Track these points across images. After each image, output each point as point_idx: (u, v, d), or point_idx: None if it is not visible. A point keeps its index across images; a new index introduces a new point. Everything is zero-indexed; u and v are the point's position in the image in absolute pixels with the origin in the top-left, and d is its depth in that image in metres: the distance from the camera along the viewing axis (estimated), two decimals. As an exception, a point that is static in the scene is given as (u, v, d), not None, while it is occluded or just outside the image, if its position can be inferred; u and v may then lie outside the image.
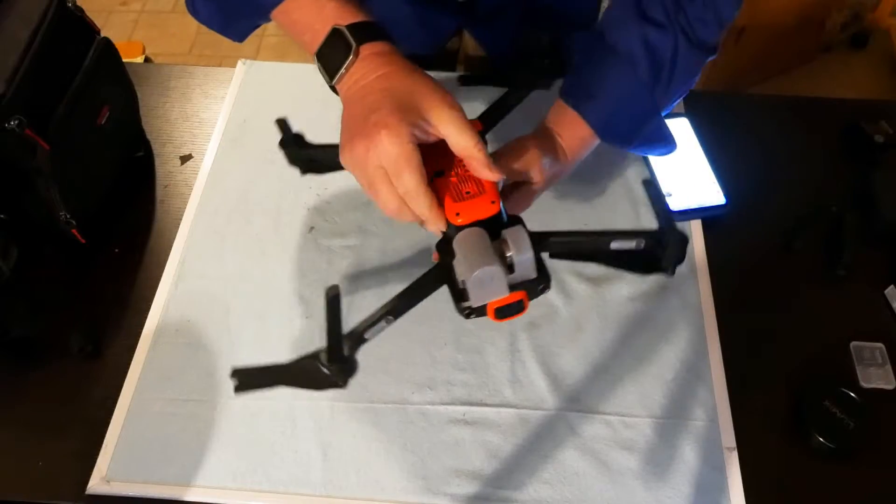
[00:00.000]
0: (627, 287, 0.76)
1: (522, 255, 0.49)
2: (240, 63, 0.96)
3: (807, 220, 0.80)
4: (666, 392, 0.69)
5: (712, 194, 0.82)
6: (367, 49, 0.51)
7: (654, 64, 0.60)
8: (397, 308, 0.54)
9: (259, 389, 0.55)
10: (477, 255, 0.48)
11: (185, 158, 0.88)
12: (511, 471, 0.65)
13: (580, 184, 0.84)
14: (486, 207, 0.50)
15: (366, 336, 0.54)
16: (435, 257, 0.53)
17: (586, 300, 0.75)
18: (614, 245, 0.54)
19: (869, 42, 2.20)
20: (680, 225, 0.81)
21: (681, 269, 0.77)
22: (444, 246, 0.52)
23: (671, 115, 0.89)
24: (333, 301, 0.52)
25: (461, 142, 0.49)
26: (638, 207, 0.82)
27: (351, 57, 0.51)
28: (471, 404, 0.68)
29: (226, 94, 0.93)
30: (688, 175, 0.84)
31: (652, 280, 0.76)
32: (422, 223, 0.51)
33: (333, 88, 0.54)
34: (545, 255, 0.55)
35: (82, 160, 0.76)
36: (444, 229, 0.50)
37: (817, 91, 2.06)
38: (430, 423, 0.67)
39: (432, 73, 0.95)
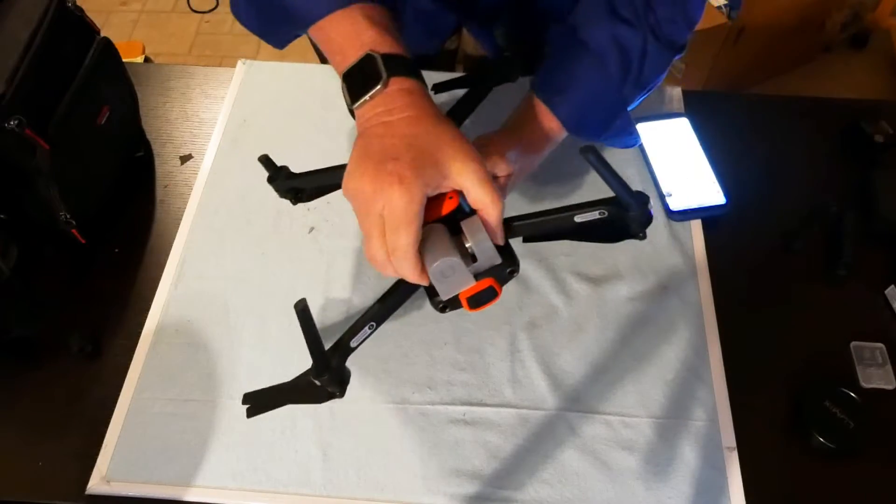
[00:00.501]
0: (627, 287, 0.76)
1: (480, 243, 0.50)
2: (240, 63, 0.96)
3: (807, 220, 0.80)
4: (666, 392, 0.69)
5: (712, 194, 0.82)
6: (395, 83, 0.50)
7: (623, 61, 0.61)
8: (379, 313, 0.55)
9: (268, 410, 0.56)
10: (434, 249, 0.49)
11: (185, 158, 0.88)
12: (511, 471, 0.65)
13: (581, 184, 0.84)
14: (444, 204, 0.51)
15: (352, 345, 0.54)
16: None
17: (586, 300, 0.75)
18: (578, 219, 0.54)
19: (869, 42, 2.20)
20: (680, 225, 0.81)
21: (681, 268, 0.77)
22: None
23: (671, 115, 0.89)
24: (304, 314, 0.52)
25: (479, 197, 0.49)
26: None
27: (379, 86, 0.49)
28: (471, 404, 0.68)
29: (226, 94, 0.93)
30: (688, 175, 0.84)
31: (652, 280, 0.76)
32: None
33: (352, 112, 0.53)
34: (518, 241, 0.56)
35: (82, 160, 0.76)
36: (427, 284, 0.50)
37: (817, 91, 2.06)
38: (430, 423, 0.67)
39: (432, 73, 0.95)
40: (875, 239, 0.79)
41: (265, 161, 0.65)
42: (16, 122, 0.65)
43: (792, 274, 0.78)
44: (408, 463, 0.65)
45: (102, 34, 0.79)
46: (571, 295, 0.75)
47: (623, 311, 0.74)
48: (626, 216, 0.54)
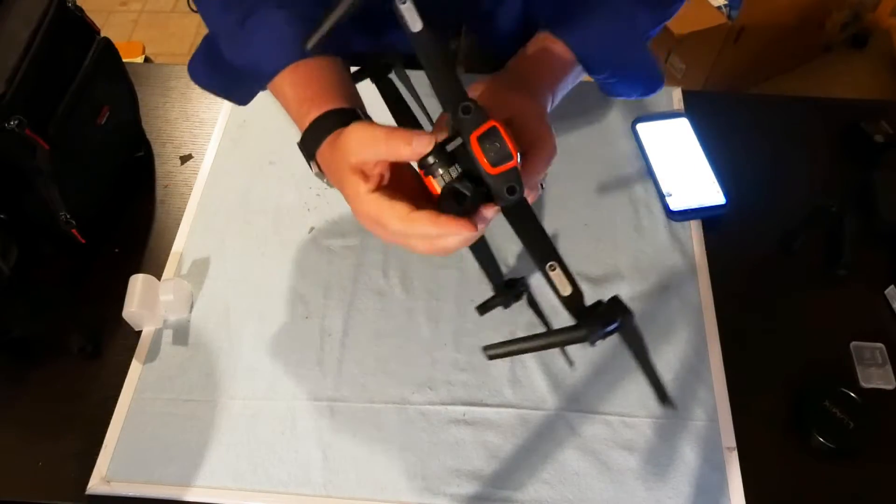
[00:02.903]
0: (627, 287, 0.76)
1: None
2: (240, 63, 0.96)
3: (807, 220, 0.80)
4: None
5: (712, 194, 0.82)
6: (321, 154, 0.53)
7: None
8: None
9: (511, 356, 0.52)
10: None
11: (185, 158, 0.88)
12: (511, 471, 0.65)
13: (581, 185, 0.84)
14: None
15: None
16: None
17: (586, 300, 0.75)
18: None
19: (869, 42, 2.20)
20: (680, 225, 0.81)
21: (681, 268, 0.77)
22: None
23: (671, 115, 0.89)
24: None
25: (400, 153, 0.46)
26: (638, 207, 0.82)
27: (313, 162, 0.55)
28: (471, 404, 0.68)
29: (226, 94, 0.93)
30: (688, 175, 0.84)
31: (652, 280, 0.76)
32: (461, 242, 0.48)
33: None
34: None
35: (82, 160, 0.76)
36: (475, 230, 0.46)
37: (817, 91, 2.06)
38: (430, 423, 0.67)
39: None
40: (875, 239, 0.79)
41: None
42: (16, 122, 0.65)
43: (792, 274, 0.78)
44: (408, 463, 0.65)
45: (102, 34, 0.79)
46: (571, 295, 0.75)
47: (623, 311, 0.74)
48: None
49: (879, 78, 2.14)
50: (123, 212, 0.82)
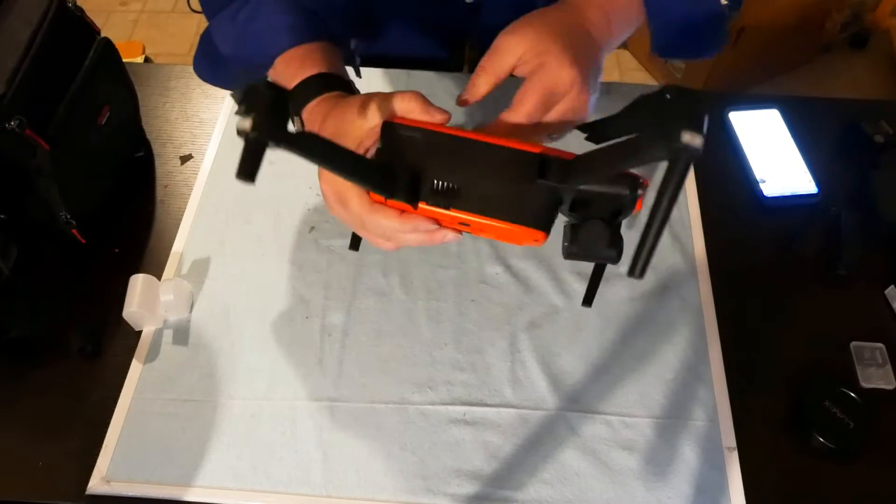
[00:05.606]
0: (628, 287, 0.76)
1: None
2: (240, 63, 0.96)
3: (807, 220, 0.80)
4: (666, 392, 0.69)
5: (804, 183, 0.83)
6: (305, 112, 0.55)
7: None
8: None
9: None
10: None
11: (185, 158, 0.88)
12: (511, 471, 0.65)
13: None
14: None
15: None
16: None
17: (586, 300, 0.75)
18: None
19: (869, 42, 2.20)
20: (680, 225, 0.81)
21: (681, 268, 0.77)
22: None
23: (763, 105, 0.90)
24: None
25: (399, 107, 0.49)
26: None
27: (298, 124, 0.56)
28: (471, 404, 0.68)
29: (226, 94, 0.93)
30: (780, 164, 0.85)
31: (652, 280, 0.76)
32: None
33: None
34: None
35: (82, 160, 0.76)
36: (449, 238, 0.48)
37: (817, 91, 2.06)
38: (430, 423, 0.67)
39: (438, 74, 0.95)
40: (875, 239, 0.79)
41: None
42: (16, 122, 0.65)
43: (792, 274, 0.78)
44: (408, 463, 0.65)
45: (102, 34, 0.79)
46: (571, 295, 0.75)
47: (623, 311, 0.74)
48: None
49: (879, 78, 2.14)
50: (123, 212, 0.82)
